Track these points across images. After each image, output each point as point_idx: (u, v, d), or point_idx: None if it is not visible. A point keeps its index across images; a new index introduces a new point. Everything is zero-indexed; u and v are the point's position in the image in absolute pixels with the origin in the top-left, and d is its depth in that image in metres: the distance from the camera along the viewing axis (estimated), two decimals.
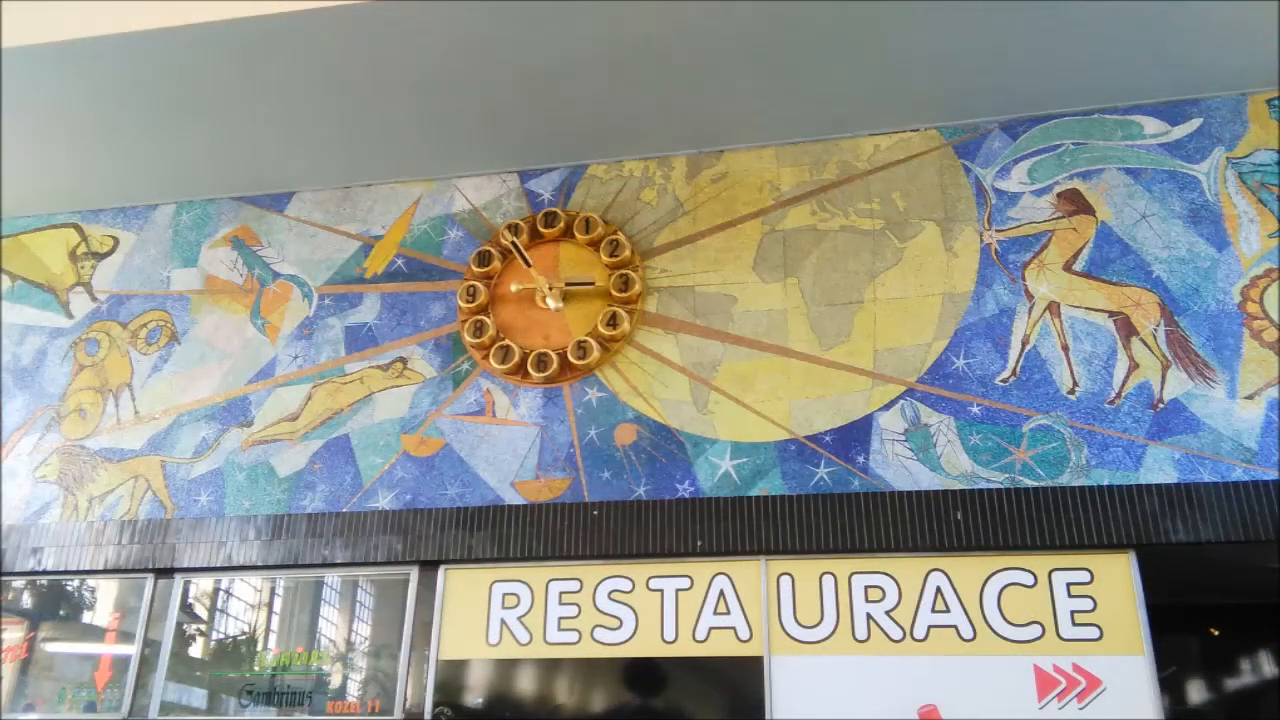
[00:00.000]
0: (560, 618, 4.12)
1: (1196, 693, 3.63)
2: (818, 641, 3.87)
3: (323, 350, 4.92)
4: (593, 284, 4.67)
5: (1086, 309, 4.20)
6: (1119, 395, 4.03)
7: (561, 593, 4.16)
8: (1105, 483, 3.88)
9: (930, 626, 3.82)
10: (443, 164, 5.08)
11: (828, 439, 4.20)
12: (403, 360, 4.80)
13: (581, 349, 4.54)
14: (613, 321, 4.55)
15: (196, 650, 4.47)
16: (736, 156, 4.85)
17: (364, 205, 5.19)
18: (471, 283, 4.80)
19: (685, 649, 3.97)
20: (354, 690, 4.24)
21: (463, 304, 4.77)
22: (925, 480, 4.04)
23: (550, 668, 4.07)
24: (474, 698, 4.08)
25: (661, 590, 4.08)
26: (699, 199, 4.80)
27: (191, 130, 4.82)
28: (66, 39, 4.18)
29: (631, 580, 4.13)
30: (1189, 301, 4.12)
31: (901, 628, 3.83)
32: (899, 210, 4.55)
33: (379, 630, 4.32)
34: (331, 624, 4.41)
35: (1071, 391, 4.08)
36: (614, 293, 4.62)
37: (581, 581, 4.17)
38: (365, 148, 4.94)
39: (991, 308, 4.29)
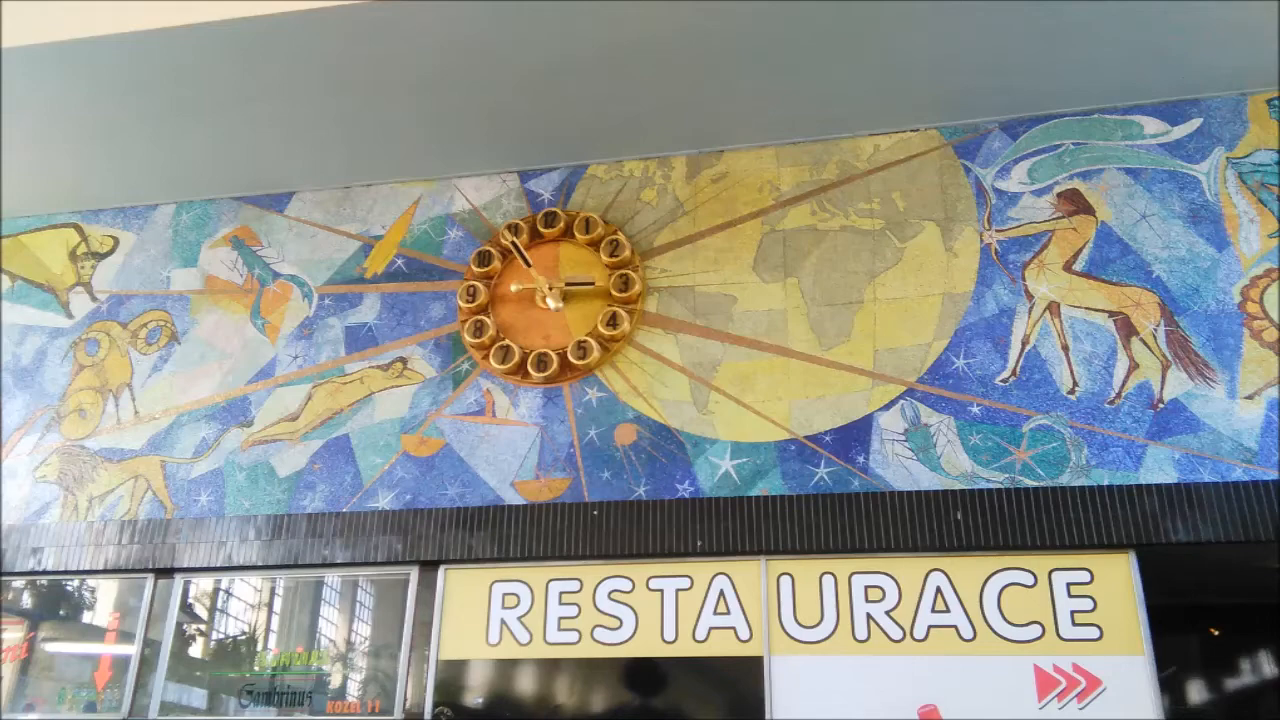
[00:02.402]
0: (560, 618, 4.12)
1: (1196, 693, 3.63)
2: (818, 641, 3.87)
3: (323, 350, 4.92)
4: (593, 284, 4.67)
5: (1086, 309, 4.20)
6: (1119, 395, 4.03)
7: (561, 593, 4.16)
8: (1105, 483, 3.88)
9: (930, 626, 3.82)
10: (443, 164, 5.08)
11: (828, 439, 4.20)
12: (403, 360, 4.80)
13: (581, 349, 4.54)
14: (613, 321, 4.55)
15: (196, 650, 4.47)
16: (736, 156, 4.85)
17: (364, 205, 5.19)
18: (471, 283, 4.80)
19: (685, 649, 3.97)
20: (354, 690, 4.24)
21: (463, 304, 4.77)
22: (925, 480, 4.04)
23: (550, 668, 4.07)
24: (474, 698, 4.08)
25: (661, 590, 4.08)
26: (699, 199, 4.80)
27: (191, 130, 4.82)
28: (66, 39, 4.18)
29: (631, 580, 4.13)
30: (1189, 301, 4.12)
31: (901, 628, 3.83)
32: (899, 210, 4.55)
33: (379, 630, 4.32)
34: (331, 624, 4.41)
35: (1071, 391, 4.07)
36: (614, 293, 4.62)
37: (581, 581, 4.17)
38: (365, 148, 4.94)
39: (991, 308, 4.29)
